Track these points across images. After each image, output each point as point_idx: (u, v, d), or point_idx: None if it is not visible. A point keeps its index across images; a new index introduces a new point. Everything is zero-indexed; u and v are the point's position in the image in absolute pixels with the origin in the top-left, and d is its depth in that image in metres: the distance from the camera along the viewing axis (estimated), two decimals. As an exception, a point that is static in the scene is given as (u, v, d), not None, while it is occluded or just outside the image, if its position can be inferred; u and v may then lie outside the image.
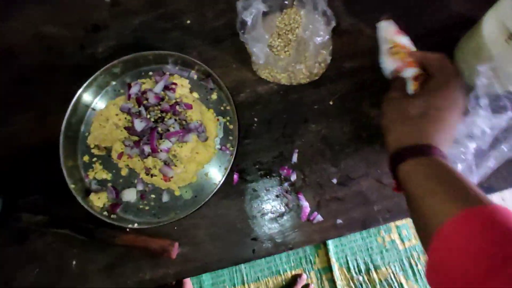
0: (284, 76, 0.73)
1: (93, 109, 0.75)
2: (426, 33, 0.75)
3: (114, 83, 0.76)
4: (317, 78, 0.74)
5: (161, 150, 0.64)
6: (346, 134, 0.71)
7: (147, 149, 0.65)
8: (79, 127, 0.74)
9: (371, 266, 1.62)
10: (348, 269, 1.61)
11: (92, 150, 0.73)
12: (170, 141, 0.65)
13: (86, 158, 0.73)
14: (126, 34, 0.81)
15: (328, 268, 1.61)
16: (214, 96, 0.74)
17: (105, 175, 0.72)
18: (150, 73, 0.76)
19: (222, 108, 0.74)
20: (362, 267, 1.62)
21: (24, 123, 0.77)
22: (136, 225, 0.66)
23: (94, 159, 0.73)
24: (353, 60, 0.76)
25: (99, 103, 0.75)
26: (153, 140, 0.64)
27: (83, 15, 0.82)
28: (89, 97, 0.74)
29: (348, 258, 1.66)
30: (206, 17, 0.81)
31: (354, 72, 0.75)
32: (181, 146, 0.66)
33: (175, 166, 0.66)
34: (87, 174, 0.72)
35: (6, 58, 0.81)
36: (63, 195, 0.72)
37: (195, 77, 0.75)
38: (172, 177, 0.66)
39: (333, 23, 0.63)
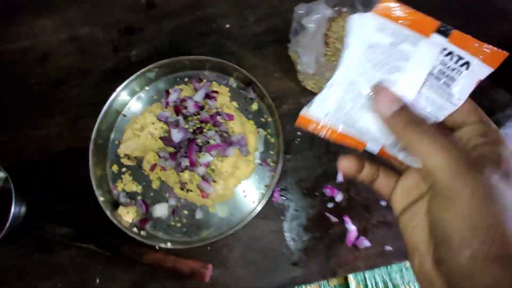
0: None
1: (124, 115, 0.70)
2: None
3: (147, 88, 0.71)
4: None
5: (200, 164, 0.59)
6: (397, 154, 0.65)
7: (184, 162, 0.60)
8: (109, 134, 0.69)
9: (389, 285, 1.54)
10: (366, 287, 1.54)
11: (122, 160, 0.68)
12: (211, 154, 0.59)
13: (115, 167, 0.68)
14: (161, 37, 0.76)
15: (345, 285, 1.53)
16: (255, 106, 0.69)
17: (135, 187, 0.67)
18: (186, 79, 0.71)
19: (262, 119, 0.68)
20: (381, 286, 1.55)
21: (53, 127, 0.72)
22: (169, 245, 0.61)
23: (124, 169, 0.68)
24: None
25: (131, 109, 0.71)
26: (191, 153, 0.59)
27: (117, 17, 0.78)
28: (120, 102, 0.70)
29: (366, 276, 1.59)
30: (247, 21, 0.76)
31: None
32: (222, 161, 0.60)
33: (214, 181, 0.60)
34: (116, 186, 0.67)
35: (38, 59, 0.77)
36: (89, 207, 0.67)
37: (234, 85, 0.70)
38: (210, 193, 0.60)
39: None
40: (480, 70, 0.30)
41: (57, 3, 0.80)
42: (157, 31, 0.77)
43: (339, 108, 0.33)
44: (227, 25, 0.76)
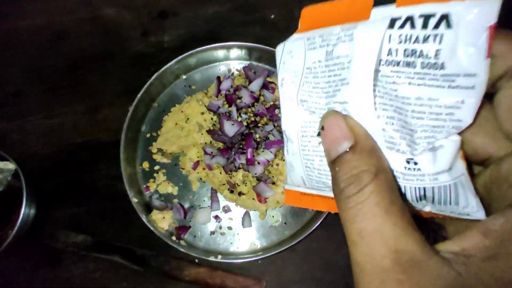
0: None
1: (158, 105, 0.61)
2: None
3: (184, 77, 0.62)
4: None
5: (258, 163, 0.51)
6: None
7: (240, 159, 0.51)
8: (140, 126, 0.59)
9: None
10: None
11: (154, 156, 0.58)
12: (271, 151, 0.51)
13: (145, 165, 0.58)
14: (197, 23, 0.68)
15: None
16: (307, 103, 0.62)
17: (171, 189, 0.57)
18: (229, 68, 0.63)
19: (317, 117, 0.61)
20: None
21: (71, 116, 0.61)
22: (220, 258, 0.51)
23: (157, 167, 0.58)
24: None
25: (164, 99, 0.61)
26: (249, 149, 0.50)
27: (148, -1, 0.69)
28: (154, 91, 0.60)
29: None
30: (293, 13, 0.69)
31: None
32: (283, 160, 0.52)
33: (273, 183, 0.52)
34: (148, 186, 0.56)
35: (53, 39, 0.66)
36: (111, 211, 0.57)
37: (283, 79, 0.63)
38: (268, 197, 0.52)
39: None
40: (475, 14, 0.16)
41: (77, -22, 0.70)
42: (193, 17, 0.68)
43: (308, 169, 0.24)
44: (272, 16, 0.69)
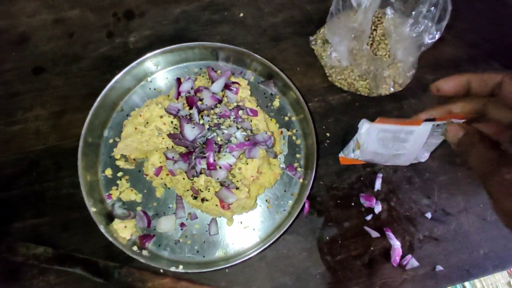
0: (363, 84, 0.57)
1: (121, 110, 0.56)
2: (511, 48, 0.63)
3: (149, 79, 0.58)
4: (400, 89, 0.59)
5: (220, 167, 0.46)
6: (436, 159, 0.55)
7: (200, 164, 0.46)
8: (102, 132, 0.55)
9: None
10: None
11: (118, 162, 0.53)
12: (233, 155, 0.46)
13: (108, 172, 0.53)
14: (164, 23, 0.63)
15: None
16: (276, 103, 0.57)
17: (134, 196, 0.52)
18: (195, 70, 0.59)
19: (286, 118, 0.56)
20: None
21: (32, 121, 0.57)
22: (181, 268, 0.46)
23: (120, 173, 0.53)
24: (436, 71, 0.61)
25: (129, 103, 0.57)
26: (210, 153, 0.46)
27: (113, 0, 0.65)
28: (117, 94, 0.56)
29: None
30: (262, 11, 0.65)
31: (439, 85, 0.60)
32: (246, 163, 0.48)
33: (237, 189, 0.47)
34: (110, 194, 0.52)
35: (15, 42, 0.61)
36: (74, 221, 0.52)
37: (252, 78, 0.58)
38: (231, 203, 0.47)
39: (447, 19, 0.48)
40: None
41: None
42: (159, 17, 0.64)
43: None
44: (241, 14, 0.64)
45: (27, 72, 0.60)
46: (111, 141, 0.55)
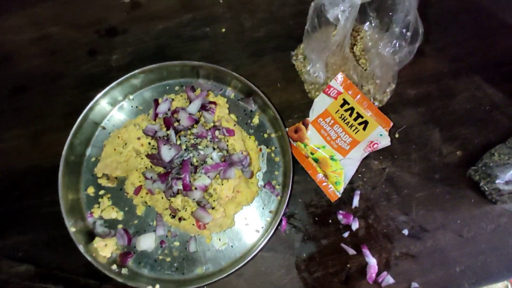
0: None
1: (103, 128, 0.56)
2: (495, 62, 0.63)
3: (131, 97, 0.58)
4: (380, 105, 0.58)
5: (195, 188, 0.46)
6: (415, 175, 0.56)
7: (176, 185, 0.47)
8: (85, 151, 0.55)
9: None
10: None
11: (99, 181, 0.54)
12: (208, 176, 0.47)
13: (90, 190, 0.54)
14: (146, 40, 0.63)
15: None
16: (256, 120, 0.57)
17: (115, 214, 0.53)
18: (177, 88, 0.59)
19: (265, 135, 0.57)
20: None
21: (15, 141, 0.57)
22: (158, 287, 0.47)
23: (102, 192, 0.54)
24: (417, 85, 0.61)
25: (111, 121, 0.57)
26: (186, 175, 0.46)
27: (96, 16, 0.65)
28: (99, 113, 0.56)
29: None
30: (244, 26, 0.65)
31: (419, 100, 0.60)
32: (222, 184, 0.48)
33: (213, 208, 0.48)
34: (91, 212, 0.52)
35: (1, 62, 0.61)
36: (56, 238, 0.53)
37: (231, 95, 0.58)
38: (207, 223, 0.47)
39: (419, 41, 0.48)
40: None
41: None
42: (142, 34, 0.64)
43: None
44: (222, 30, 0.64)
45: (9, 91, 0.60)
46: (93, 159, 0.55)
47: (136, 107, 0.58)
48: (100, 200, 0.53)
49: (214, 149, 0.49)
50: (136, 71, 0.55)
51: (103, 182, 0.54)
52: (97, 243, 0.50)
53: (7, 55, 0.62)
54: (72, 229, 0.49)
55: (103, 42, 0.63)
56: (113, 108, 0.57)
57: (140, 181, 0.51)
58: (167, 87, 0.59)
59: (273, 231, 0.49)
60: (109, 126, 0.57)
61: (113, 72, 0.61)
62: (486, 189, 0.52)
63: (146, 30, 0.64)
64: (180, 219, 0.49)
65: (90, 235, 0.51)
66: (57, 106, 0.59)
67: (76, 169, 0.54)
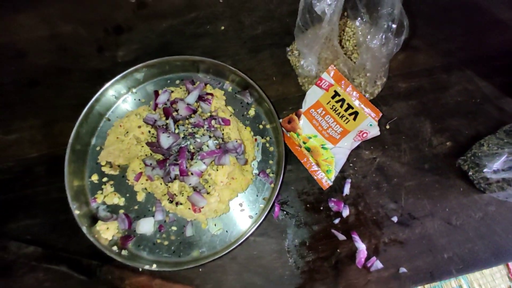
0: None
1: (108, 119, 0.59)
2: (487, 56, 0.64)
3: (134, 90, 0.61)
4: (371, 98, 0.60)
5: (191, 173, 0.49)
6: (405, 165, 0.57)
7: (174, 171, 0.49)
8: (90, 140, 0.58)
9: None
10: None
11: (103, 168, 0.57)
12: (204, 162, 0.49)
13: (94, 177, 0.57)
14: (151, 38, 0.67)
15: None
16: (252, 112, 0.60)
17: (117, 200, 0.55)
18: (177, 81, 0.62)
19: (260, 126, 0.59)
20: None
21: (27, 131, 0.61)
22: (154, 267, 0.49)
23: (105, 179, 0.57)
24: (409, 79, 0.63)
25: (116, 113, 0.60)
26: (182, 161, 0.49)
27: (104, 15, 0.68)
28: (104, 105, 0.59)
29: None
30: (243, 24, 0.67)
31: (411, 93, 0.62)
32: (217, 170, 0.50)
33: (208, 193, 0.50)
34: (95, 198, 0.55)
35: (13, 57, 0.65)
36: (62, 222, 0.56)
37: (229, 89, 0.61)
38: (202, 207, 0.50)
39: (405, 33, 0.50)
40: None
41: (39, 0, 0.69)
42: (147, 31, 0.67)
43: None
44: (222, 27, 0.67)
45: (23, 85, 0.64)
46: (98, 148, 0.58)
47: (139, 100, 0.61)
48: (103, 186, 0.56)
49: (210, 137, 0.52)
50: (140, 65, 0.58)
51: (106, 169, 0.57)
52: (100, 226, 0.53)
53: (21, 51, 0.66)
54: (76, 212, 0.52)
55: (110, 39, 0.67)
56: (117, 101, 0.60)
57: (140, 168, 0.54)
58: (169, 81, 0.62)
59: (264, 216, 0.51)
60: (113, 118, 0.60)
61: (120, 68, 0.64)
62: (475, 178, 0.53)
63: (151, 28, 0.67)
64: (177, 203, 0.51)
65: (93, 219, 0.54)
66: (67, 98, 0.63)
67: (81, 157, 0.57)
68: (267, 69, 0.64)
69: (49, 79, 0.64)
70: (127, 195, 0.56)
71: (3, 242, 0.55)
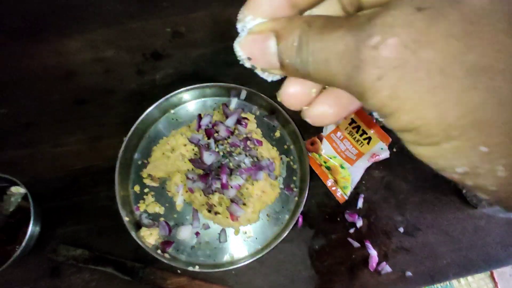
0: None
1: (148, 136, 0.67)
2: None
3: (172, 111, 0.69)
4: (381, 125, 0.69)
5: (231, 187, 0.56)
6: (409, 183, 0.66)
7: (215, 184, 0.57)
8: (133, 154, 0.65)
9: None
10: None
11: (144, 180, 0.64)
12: (242, 177, 0.57)
13: (137, 188, 0.63)
14: (186, 64, 0.75)
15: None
16: (277, 133, 0.68)
17: (158, 209, 0.62)
18: (210, 104, 0.70)
19: (285, 146, 0.67)
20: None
21: (75, 144, 0.67)
22: (197, 268, 0.56)
23: (146, 190, 0.63)
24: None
25: (155, 131, 0.67)
26: (224, 176, 0.56)
27: (143, 42, 0.76)
28: (145, 123, 0.66)
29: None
30: (268, 55, 0.76)
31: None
32: (252, 184, 0.58)
33: (244, 204, 0.58)
34: (138, 206, 0.62)
35: (62, 77, 0.72)
36: (107, 228, 0.62)
37: (257, 113, 0.69)
38: (239, 216, 0.57)
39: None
40: None
41: (83, 25, 0.77)
42: (182, 58, 0.75)
43: None
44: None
45: (71, 103, 0.71)
46: (139, 162, 0.65)
47: (176, 119, 0.68)
48: (145, 197, 0.63)
49: (246, 156, 0.59)
50: (181, 89, 0.66)
51: (147, 181, 0.64)
52: (144, 232, 0.60)
53: (70, 72, 0.72)
54: (126, 219, 0.58)
55: (148, 64, 0.74)
56: (157, 120, 0.68)
57: (181, 181, 0.61)
58: (203, 104, 0.70)
59: (291, 226, 0.59)
60: (152, 135, 0.67)
61: (158, 90, 0.71)
62: (468, 195, 0.62)
63: (185, 55, 0.75)
64: (216, 213, 0.58)
65: (137, 225, 0.61)
66: (110, 116, 0.69)
67: (126, 170, 0.64)
68: (289, 96, 0.72)
69: (95, 98, 0.71)
70: (166, 204, 0.63)
71: (53, 245, 0.60)
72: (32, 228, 0.56)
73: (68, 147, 0.67)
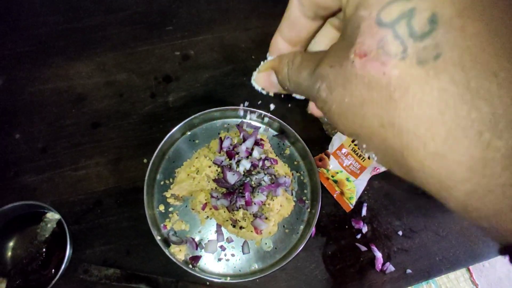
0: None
1: (168, 157, 0.71)
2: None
3: (188, 133, 0.73)
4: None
5: (254, 203, 0.63)
6: (405, 191, 0.75)
7: (240, 201, 0.62)
8: (155, 176, 0.69)
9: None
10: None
11: (168, 200, 0.68)
12: (264, 194, 0.63)
13: (161, 207, 0.68)
14: (196, 86, 0.79)
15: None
16: (287, 151, 0.75)
17: (183, 226, 0.67)
18: (224, 125, 0.75)
19: (295, 163, 0.74)
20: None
21: (95, 167, 0.70)
22: (228, 279, 0.62)
23: (171, 209, 0.68)
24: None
25: (174, 152, 0.72)
26: (247, 193, 0.62)
27: (154, 66, 0.80)
28: (165, 145, 0.70)
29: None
30: (272, 77, 0.83)
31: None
32: (272, 199, 0.64)
33: (266, 218, 0.64)
34: (165, 225, 0.66)
35: (74, 101, 0.74)
36: (135, 246, 0.66)
37: (268, 132, 0.76)
38: (263, 229, 0.64)
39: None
40: None
41: (92, 49, 0.79)
42: (192, 81, 0.80)
43: None
44: (255, 78, 0.82)
45: (86, 126, 0.73)
46: (162, 183, 0.69)
47: (193, 140, 0.73)
48: (170, 215, 0.68)
49: (265, 174, 0.66)
50: (199, 113, 0.71)
51: (171, 201, 0.68)
52: (173, 248, 0.64)
53: (81, 95, 0.75)
54: (158, 237, 0.62)
55: (161, 87, 0.78)
56: (175, 142, 0.72)
57: (206, 199, 0.66)
58: (217, 125, 0.75)
59: (308, 236, 0.66)
60: (171, 156, 0.71)
61: (171, 112, 0.76)
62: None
63: (195, 78, 0.80)
64: (240, 227, 0.64)
65: (165, 242, 0.65)
66: (127, 139, 0.73)
67: (150, 190, 0.68)
68: (297, 116, 0.79)
69: (110, 121, 0.74)
70: (190, 221, 0.68)
71: (85, 266, 0.63)
72: (68, 252, 0.59)
73: (88, 170, 0.70)
